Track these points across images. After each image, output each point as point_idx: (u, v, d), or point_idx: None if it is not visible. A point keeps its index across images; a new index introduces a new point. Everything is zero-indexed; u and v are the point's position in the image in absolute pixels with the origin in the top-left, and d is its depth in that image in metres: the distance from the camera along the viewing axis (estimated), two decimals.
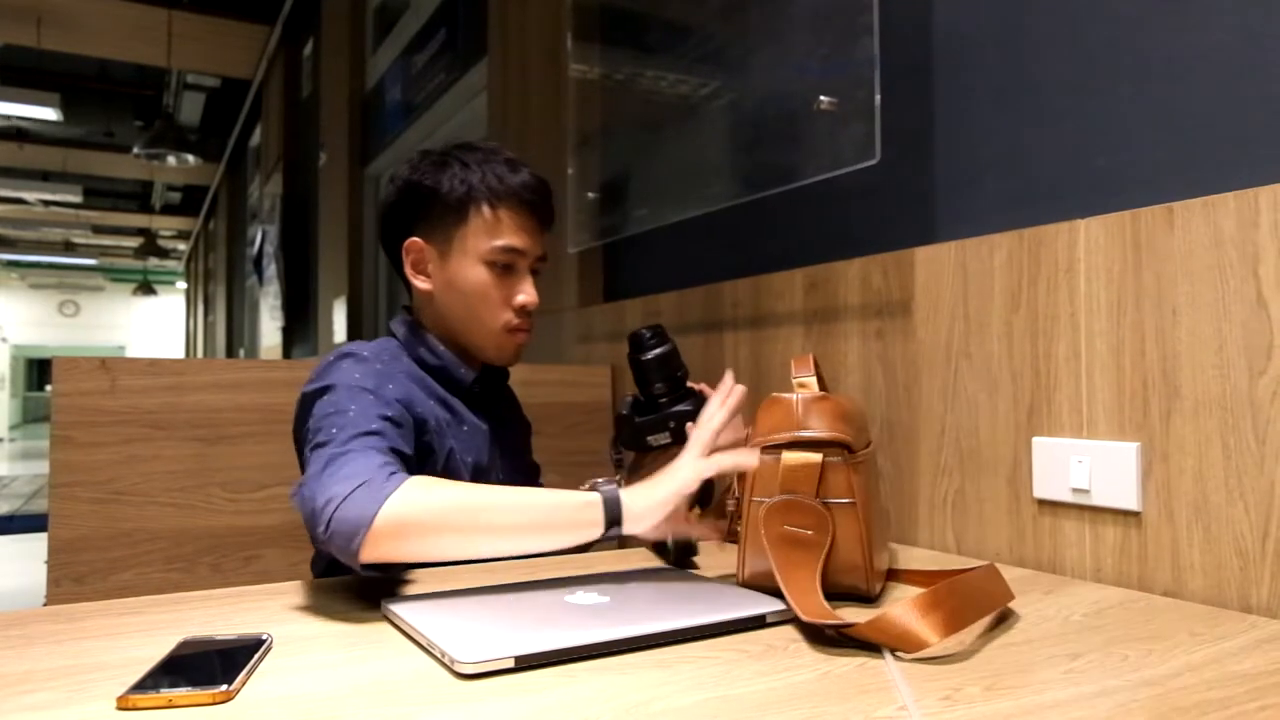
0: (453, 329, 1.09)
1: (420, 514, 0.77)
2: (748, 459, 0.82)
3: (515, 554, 0.81)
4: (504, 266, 1.06)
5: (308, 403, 0.96)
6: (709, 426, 0.90)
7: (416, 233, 1.08)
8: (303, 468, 1.06)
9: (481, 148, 1.09)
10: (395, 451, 0.88)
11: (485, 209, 1.05)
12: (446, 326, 1.09)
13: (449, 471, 1.04)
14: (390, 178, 1.11)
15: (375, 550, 0.76)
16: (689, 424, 1.03)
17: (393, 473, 0.81)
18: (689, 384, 1.07)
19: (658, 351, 1.04)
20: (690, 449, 0.88)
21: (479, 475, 1.07)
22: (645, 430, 1.06)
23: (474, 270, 1.05)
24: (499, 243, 1.05)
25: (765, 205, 1.46)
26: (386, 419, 0.92)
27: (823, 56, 1.26)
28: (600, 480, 0.91)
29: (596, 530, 0.81)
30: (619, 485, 0.86)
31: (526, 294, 1.08)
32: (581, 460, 1.68)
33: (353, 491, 0.77)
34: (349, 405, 0.91)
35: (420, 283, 1.08)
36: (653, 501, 0.83)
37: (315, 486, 0.80)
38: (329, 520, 0.76)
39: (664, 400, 1.05)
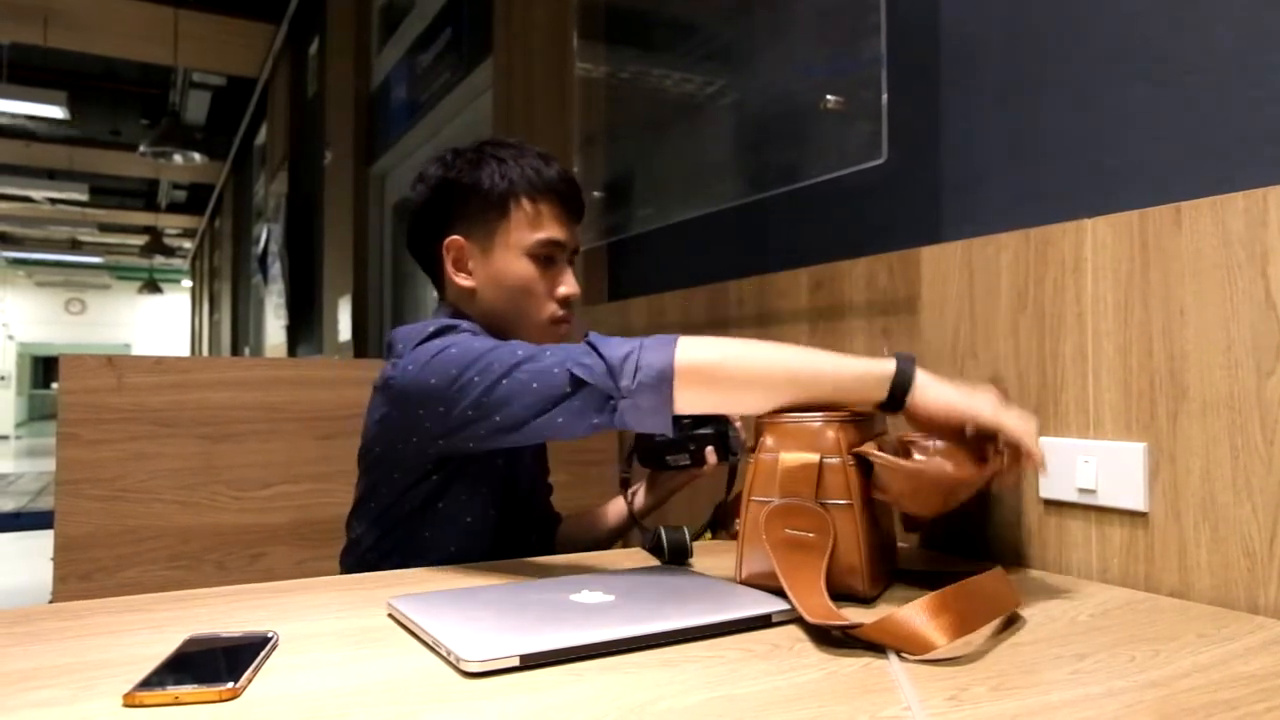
0: (497, 324, 1.08)
1: (715, 359, 0.83)
2: (1029, 437, 0.81)
3: (798, 400, 0.84)
4: (546, 259, 1.07)
5: (434, 363, 0.92)
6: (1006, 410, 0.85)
7: (455, 230, 1.08)
8: (379, 458, 1.03)
9: (511, 143, 1.10)
10: None
11: (526, 203, 1.06)
12: (491, 322, 1.09)
13: (505, 457, 1.06)
14: (419, 177, 1.11)
15: (686, 392, 0.82)
16: (709, 447, 1.03)
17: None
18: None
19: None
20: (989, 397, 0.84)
21: (515, 462, 1.08)
22: (664, 450, 1.06)
23: (518, 264, 1.06)
24: (542, 235, 1.06)
25: (771, 204, 1.46)
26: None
27: (829, 55, 1.25)
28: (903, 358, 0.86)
29: (879, 392, 0.84)
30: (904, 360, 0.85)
31: (569, 285, 1.09)
32: (587, 459, 1.68)
33: (643, 344, 0.83)
34: (494, 345, 0.92)
35: (463, 280, 1.08)
36: (946, 391, 0.83)
37: (591, 358, 0.84)
38: (636, 368, 0.82)
39: (686, 421, 1.05)
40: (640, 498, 1.19)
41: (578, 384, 0.85)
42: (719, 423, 1.05)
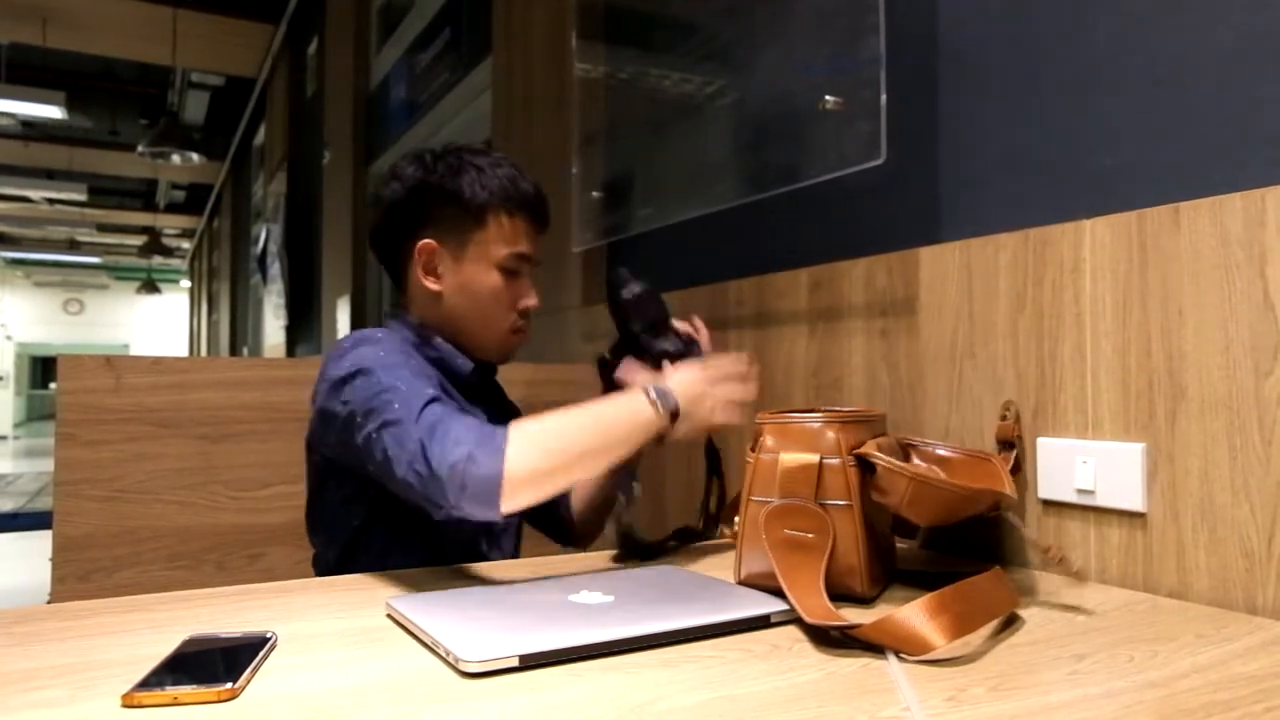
0: (459, 329, 1.10)
1: (540, 459, 0.85)
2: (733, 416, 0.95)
3: (607, 467, 0.91)
4: (512, 272, 1.10)
5: (338, 389, 0.97)
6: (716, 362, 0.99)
7: (427, 234, 1.08)
8: (316, 464, 1.07)
9: (487, 153, 1.11)
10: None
11: (503, 216, 1.08)
12: (453, 326, 1.10)
13: None
14: (393, 175, 1.10)
15: (513, 501, 0.83)
16: (672, 364, 1.04)
17: (492, 427, 0.87)
18: (673, 324, 1.08)
19: (637, 291, 1.06)
20: (695, 366, 0.98)
21: None
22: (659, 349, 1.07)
23: (489, 275, 1.08)
24: (515, 250, 1.09)
25: (770, 205, 1.46)
26: (429, 381, 0.96)
27: (828, 56, 1.25)
28: (651, 385, 0.94)
29: (661, 425, 0.91)
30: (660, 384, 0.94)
31: (530, 298, 1.12)
32: None
33: (473, 453, 0.83)
34: (395, 382, 0.93)
35: (430, 283, 1.09)
36: (691, 383, 0.95)
37: (430, 461, 0.84)
38: (462, 485, 0.82)
39: (644, 337, 1.06)
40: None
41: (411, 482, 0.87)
42: (678, 339, 1.07)
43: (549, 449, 0.86)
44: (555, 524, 1.25)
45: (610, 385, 1.11)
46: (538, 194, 1.12)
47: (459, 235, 1.08)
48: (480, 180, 1.07)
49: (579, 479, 0.90)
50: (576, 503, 1.25)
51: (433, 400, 0.91)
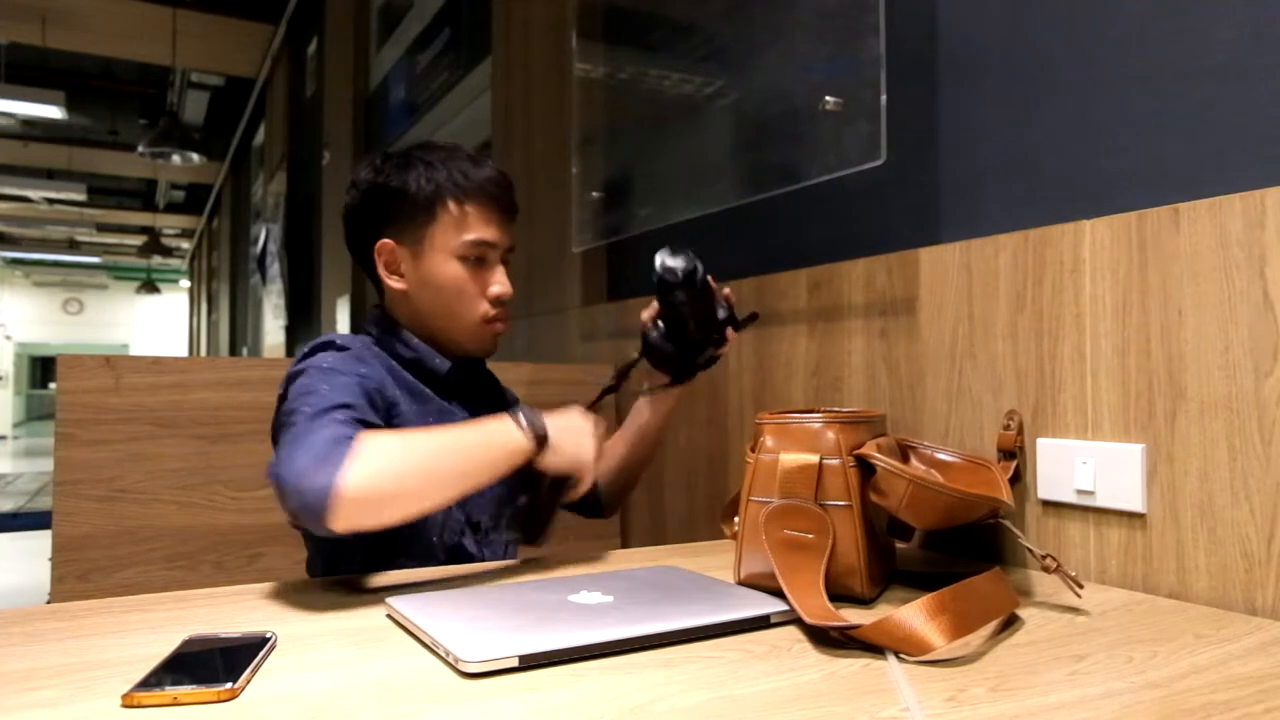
0: (430, 325, 1.10)
1: (377, 480, 0.81)
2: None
3: (465, 493, 0.88)
4: (476, 260, 1.08)
5: (284, 390, 0.97)
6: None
7: (386, 234, 1.09)
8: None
9: (443, 146, 1.11)
10: (363, 423, 0.90)
11: (452, 205, 1.07)
12: (423, 323, 1.10)
13: None
14: (351, 182, 1.12)
15: (344, 520, 0.79)
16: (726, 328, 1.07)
17: (348, 441, 0.83)
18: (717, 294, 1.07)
19: (689, 292, 1.01)
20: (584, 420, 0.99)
21: None
22: (685, 356, 1.08)
23: (447, 266, 1.07)
24: (469, 237, 1.07)
25: (770, 205, 1.46)
26: (357, 393, 0.94)
27: (828, 56, 1.25)
28: (521, 409, 0.95)
29: (528, 450, 0.91)
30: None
31: (500, 284, 1.10)
32: None
33: (308, 466, 0.80)
34: (321, 385, 0.93)
35: (394, 283, 1.10)
36: (568, 416, 0.96)
37: (279, 467, 0.82)
38: (295, 494, 0.79)
39: (699, 340, 1.06)
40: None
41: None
42: (725, 319, 1.06)
43: (392, 471, 0.82)
44: (579, 502, 1.25)
45: (612, 390, 1.12)
46: (493, 180, 1.10)
47: (413, 231, 1.08)
48: (427, 173, 1.07)
49: (434, 503, 0.85)
50: (600, 475, 1.25)
51: (339, 405, 0.89)
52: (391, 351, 1.09)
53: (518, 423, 0.91)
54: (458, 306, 1.09)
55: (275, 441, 0.94)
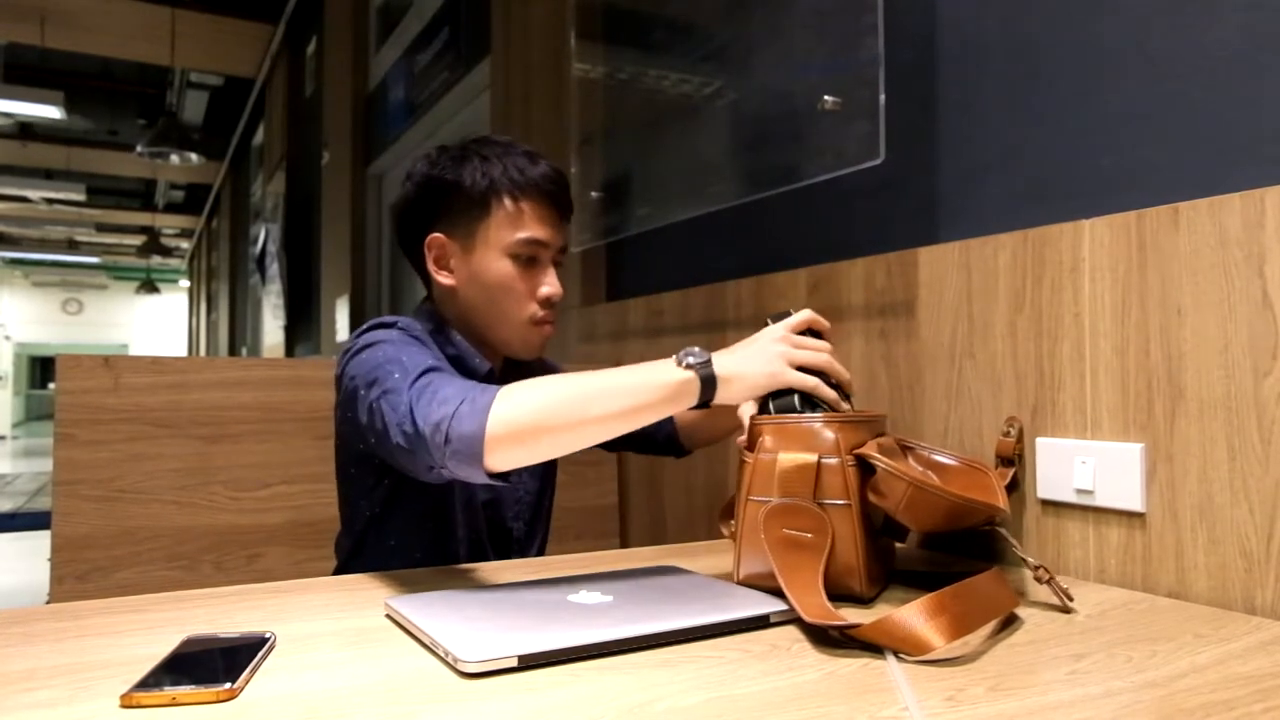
0: (477, 323, 1.09)
1: (530, 415, 0.80)
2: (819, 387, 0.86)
3: (622, 432, 0.83)
4: (528, 259, 1.06)
5: (349, 365, 0.96)
6: (789, 321, 0.92)
7: (438, 228, 1.07)
8: (340, 450, 1.07)
9: (499, 141, 1.09)
10: None
11: (507, 201, 1.05)
12: (470, 321, 1.09)
13: None
14: (406, 175, 1.11)
15: (499, 458, 0.79)
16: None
17: (478, 386, 0.83)
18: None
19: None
20: (772, 334, 0.90)
21: None
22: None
23: (498, 263, 1.05)
24: (522, 235, 1.05)
25: (769, 205, 1.46)
26: (439, 357, 0.94)
27: (827, 56, 1.25)
28: (693, 351, 0.87)
29: (693, 400, 0.85)
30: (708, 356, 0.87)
31: (551, 285, 1.07)
32: (586, 459, 1.68)
33: (458, 409, 0.80)
34: (400, 355, 0.92)
35: (443, 278, 1.08)
36: (743, 369, 0.86)
37: (415, 420, 0.82)
38: (446, 442, 0.79)
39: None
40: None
41: (400, 443, 0.85)
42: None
43: (541, 407, 0.81)
44: (656, 443, 1.26)
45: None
46: (549, 178, 1.08)
47: (466, 225, 1.06)
48: (483, 168, 1.05)
49: (586, 440, 0.83)
50: (681, 417, 1.25)
51: (431, 369, 0.89)
52: (436, 346, 1.08)
53: (679, 362, 0.85)
54: (506, 305, 1.06)
55: (353, 415, 0.93)
